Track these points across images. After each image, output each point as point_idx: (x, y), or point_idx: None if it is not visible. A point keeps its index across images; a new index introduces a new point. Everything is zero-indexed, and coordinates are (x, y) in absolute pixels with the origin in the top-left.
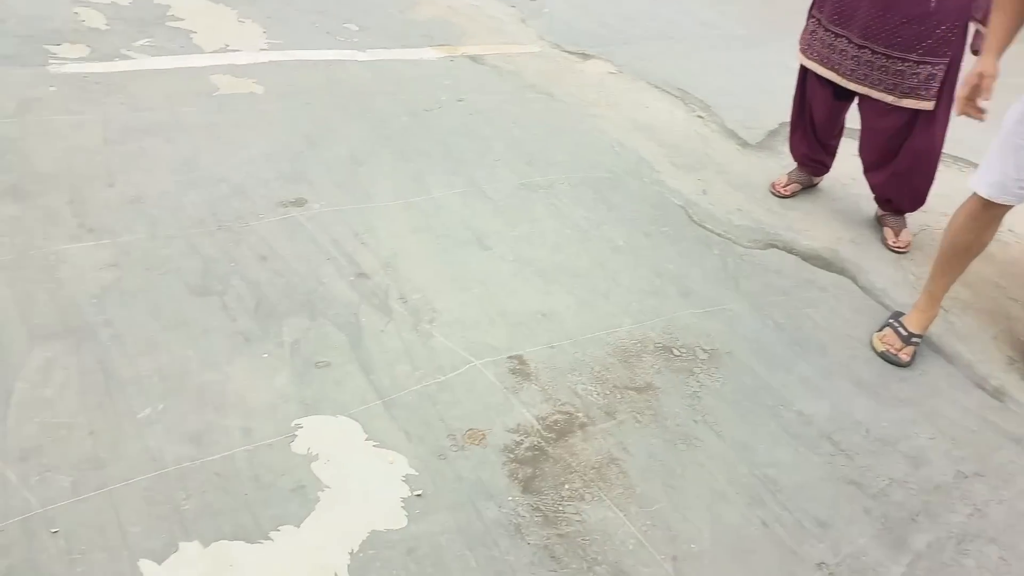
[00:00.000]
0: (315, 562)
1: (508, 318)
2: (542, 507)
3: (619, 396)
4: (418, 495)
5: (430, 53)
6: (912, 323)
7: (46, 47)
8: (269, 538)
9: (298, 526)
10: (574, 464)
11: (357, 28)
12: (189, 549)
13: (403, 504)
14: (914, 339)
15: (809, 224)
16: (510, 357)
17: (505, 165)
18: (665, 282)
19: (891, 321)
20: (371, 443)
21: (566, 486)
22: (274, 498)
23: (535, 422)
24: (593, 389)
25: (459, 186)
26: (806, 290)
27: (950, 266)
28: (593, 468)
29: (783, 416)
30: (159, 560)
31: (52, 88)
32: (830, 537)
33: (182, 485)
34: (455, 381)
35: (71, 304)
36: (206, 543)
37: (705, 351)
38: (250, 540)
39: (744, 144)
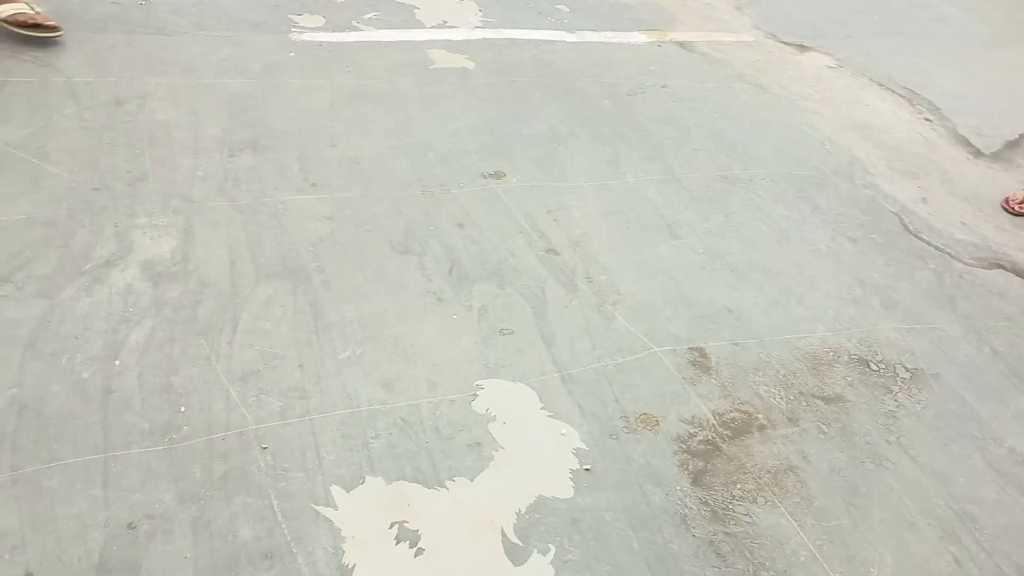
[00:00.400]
0: (483, 517)
1: (692, 309)
2: (711, 502)
3: (804, 403)
4: (587, 469)
5: (638, 37)
6: None
7: (290, 16)
8: (444, 486)
9: (472, 480)
10: (749, 465)
11: (568, 10)
12: (373, 483)
13: (571, 476)
14: None
15: None
16: (691, 348)
17: (704, 155)
18: (868, 292)
19: None
20: (546, 413)
21: (738, 485)
22: (452, 450)
23: (711, 416)
24: (776, 392)
25: (655, 173)
26: None
27: None
28: (769, 472)
29: (992, 451)
30: (347, 489)
31: (291, 54)
32: None
33: (372, 425)
34: (633, 365)
35: (291, 249)
36: (388, 481)
37: (907, 369)
38: (427, 485)
39: (976, 153)
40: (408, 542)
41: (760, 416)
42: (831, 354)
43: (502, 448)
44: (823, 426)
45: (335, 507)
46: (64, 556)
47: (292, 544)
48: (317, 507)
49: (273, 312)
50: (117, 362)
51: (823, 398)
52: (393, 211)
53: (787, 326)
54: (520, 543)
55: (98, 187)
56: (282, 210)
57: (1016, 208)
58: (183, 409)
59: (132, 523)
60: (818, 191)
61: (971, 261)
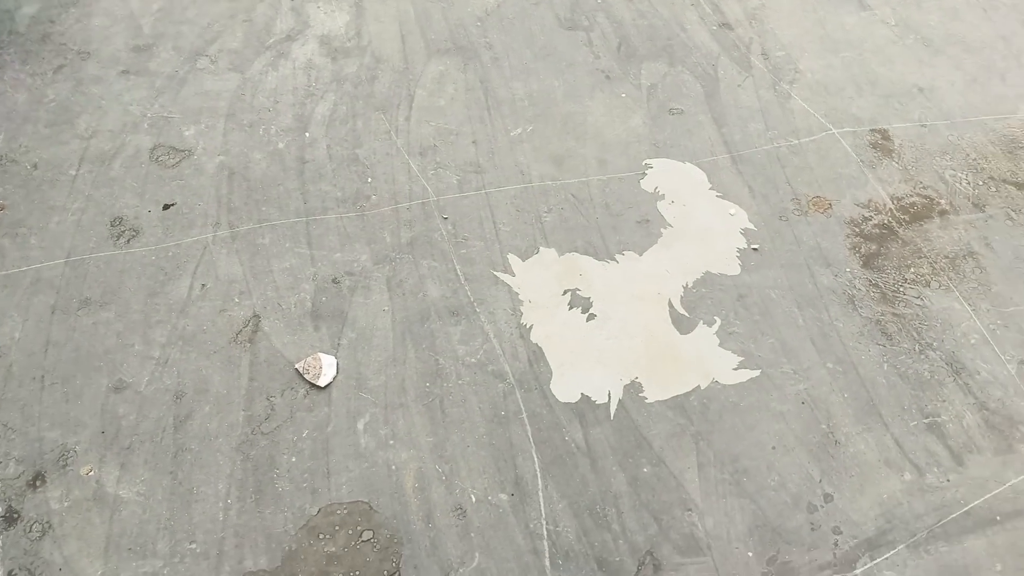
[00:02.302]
0: (652, 288)
1: (878, 88)
2: (880, 284)
3: (994, 189)
4: (755, 248)
5: None
6: None
7: None
8: (614, 259)
9: (640, 254)
10: (925, 250)
11: None
12: (547, 253)
13: (739, 254)
14: None
15: None
16: (873, 130)
17: None
18: None
19: None
20: (715, 193)
21: (911, 269)
22: (621, 225)
23: (889, 201)
24: (964, 177)
25: None
26: None
27: None
28: (946, 257)
29: None
30: (523, 257)
31: None
32: None
33: (544, 199)
34: (808, 147)
35: (459, 24)
36: (561, 251)
37: None
38: (598, 257)
39: None
40: (580, 308)
41: (943, 201)
42: None
43: (670, 226)
44: (1012, 213)
45: (512, 273)
46: (282, 303)
47: (475, 304)
48: (496, 272)
49: (446, 89)
50: (307, 134)
51: (1016, 184)
52: None
53: (985, 106)
54: (686, 314)
55: None
56: None
57: None
58: (369, 180)
59: (336, 278)
60: None
61: None
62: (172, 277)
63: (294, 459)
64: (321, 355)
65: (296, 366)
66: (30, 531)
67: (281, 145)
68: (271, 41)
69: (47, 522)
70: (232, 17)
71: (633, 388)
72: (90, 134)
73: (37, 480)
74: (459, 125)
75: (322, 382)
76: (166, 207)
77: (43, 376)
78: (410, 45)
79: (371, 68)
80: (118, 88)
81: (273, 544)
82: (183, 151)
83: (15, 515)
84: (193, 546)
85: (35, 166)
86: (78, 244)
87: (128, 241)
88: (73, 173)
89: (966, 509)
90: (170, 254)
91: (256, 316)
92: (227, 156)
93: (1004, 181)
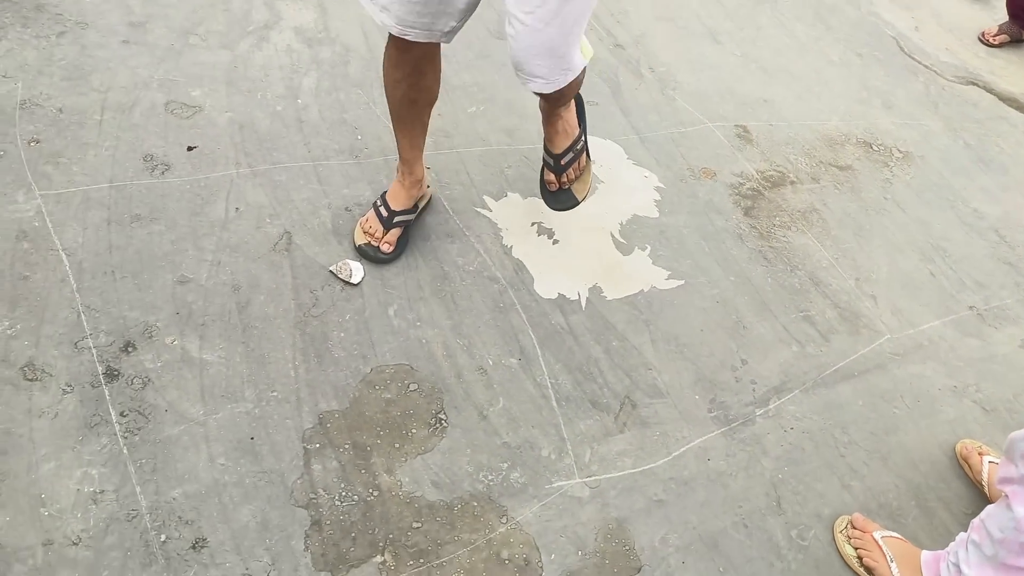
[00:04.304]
0: (597, 224)
1: (736, 97)
2: (758, 227)
3: (823, 169)
4: (661, 201)
5: None
6: None
7: None
8: None
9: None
10: (784, 206)
11: None
12: (513, 197)
13: (655, 203)
14: None
15: (1011, 72)
16: (736, 125)
17: None
18: (872, 95)
19: None
20: (631, 161)
21: (777, 218)
22: None
23: (755, 173)
24: (802, 160)
25: None
26: (998, 124)
27: None
28: (799, 211)
29: (960, 209)
30: (495, 198)
31: None
32: (983, 293)
33: (504, 158)
34: (692, 134)
35: None
36: (524, 196)
37: (900, 152)
38: None
39: None
40: (546, 235)
41: (791, 175)
42: (843, 137)
43: (603, 182)
44: (837, 185)
45: (489, 209)
46: (307, 223)
47: (464, 230)
48: (476, 208)
49: None
50: (299, 100)
51: (837, 167)
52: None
53: (809, 115)
54: (624, 241)
55: None
56: None
57: (991, 40)
58: (359, 137)
59: (348, 207)
60: (831, 14)
61: (952, 78)
62: (208, 201)
63: (342, 334)
64: (349, 260)
65: (330, 268)
66: (132, 384)
67: (279, 108)
68: (251, 28)
69: (146, 377)
70: (212, 6)
71: (595, 290)
72: (105, 88)
73: (128, 347)
74: None
75: (355, 280)
76: (190, 148)
77: (113, 271)
78: (372, 40)
79: (343, 55)
80: (122, 54)
81: (340, 392)
82: (194, 107)
83: (115, 372)
84: (275, 393)
85: (60, 110)
86: (118, 173)
87: (163, 173)
88: (98, 118)
89: (835, 368)
90: (202, 185)
91: (287, 232)
92: (234, 113)
93: (829, 164)
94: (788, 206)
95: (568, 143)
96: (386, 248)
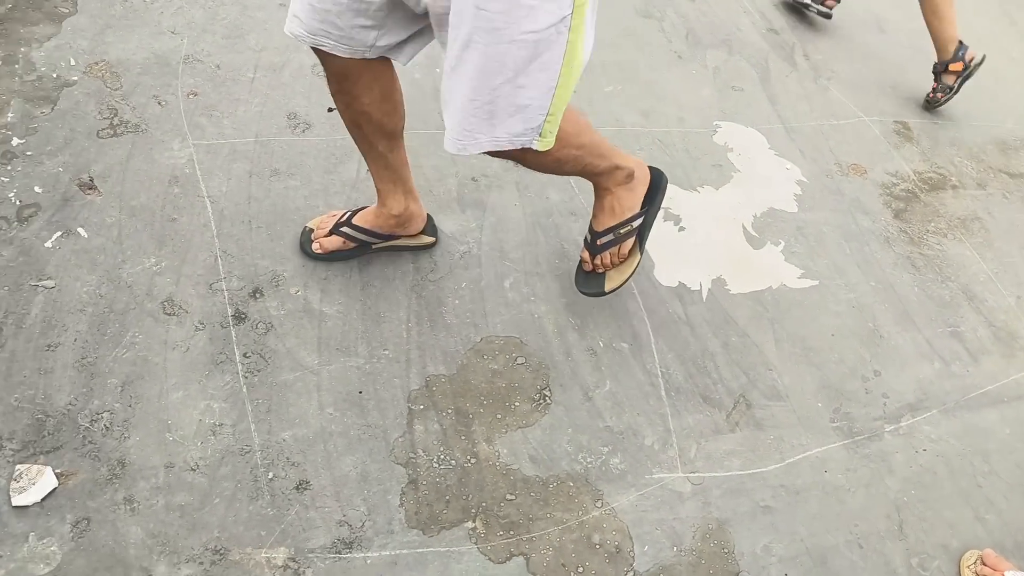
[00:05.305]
0: (728, 214)
1: (898, 92)
2: (909, 232)
3: (992, 175)
4: (801, 195)
5: None
6: None
7: None
8: (696, 190)
9: (716, 189)
10: (942, 211)
11: None
12: None
13: (795, 197)
14: None
15: None
16: (896, 121)
17: None
18: None
19: None
20: (772, 152)
21: (932, 224)
22: (699, 166)
23: (911, 173)
24: (968, 163)
25: None
26: None
27: None
28: (958, 218)
29: None
30: None
31: None
32: None
33: (636, 140)
34: (845, 127)
35: None
36: None
37: None
38: (682, 187)
39: None
40: (672, 222)
41: (953, 179)
42: (1018, 142)
43: (739, 171)
44: (1007, 194)
45: None
46: (432, 189)
47: (588, 208)
48: None
49: None
50: (437, 70)
51: (1008, 174)
52: None
53: (981, 115)
54: (756, 235)
55: None
56: None
57: None
58: None
59: (474, 177)
60: (1018, 9)
61: None
62: (342, 161)
63: (457, 302)
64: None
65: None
66: (256, 328)
67: (417, 76)
68: None
69: (269, 323)
70: None
71: (719, 282)
72: (260, 48)
73: (256, 293)
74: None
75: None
76: (330, 110)
77: (250, 221)
78: None
79: None
80: (278, 17)
81: (448, 358)
82: None
83: (243, 316)
84: (386, 352)
85: (218, 67)
86: (263, 128)
87: (303, 131)
88: (251, 76)
89: (982, 391)
90: (337, 145)
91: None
92: None
93: (999, 170)
94: (946, 211)
95: (612, 223)
96: (315, 248)
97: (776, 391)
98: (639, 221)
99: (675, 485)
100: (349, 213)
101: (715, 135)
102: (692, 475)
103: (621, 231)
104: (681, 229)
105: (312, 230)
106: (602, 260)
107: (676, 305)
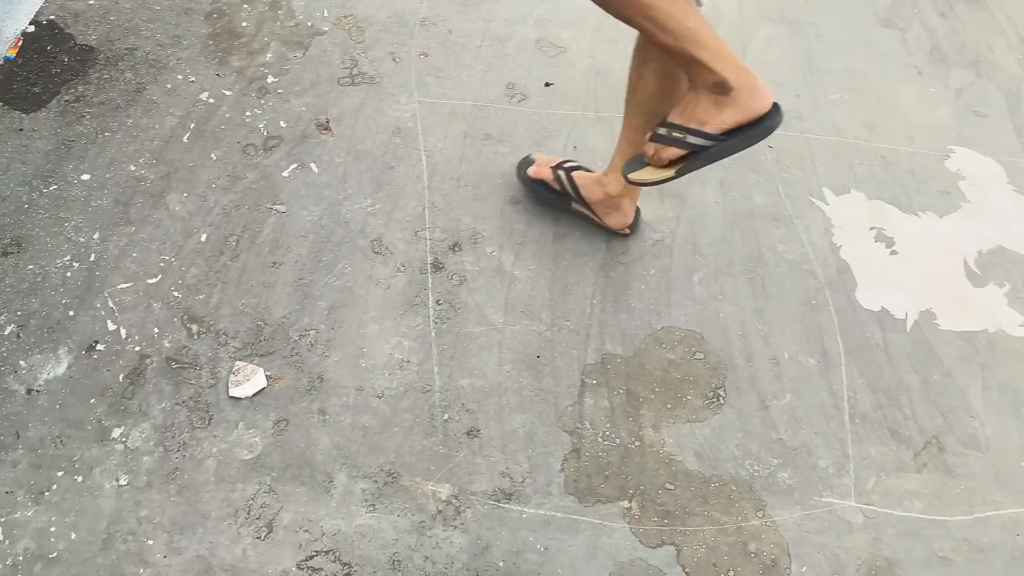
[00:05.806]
0: (950, 244)
1: None
2: None
3: None
4: None
5: None
6: None
7: None
8: (916, 215)
9: (940, 217)
10: None
11: None
12: (857, 196)
13: None
14: None
15: None
16: None
17: None
18: None
19: None
20: (1011, 187)
21: None
22: (924, 190)
23: None
24: None
25: None
26: None
27: None
28: None
29: None
30: (836, 193)
31: None
32: None
33: (856, 154)
34: None
35: (789, 2)
36: (869, 197)
37: None
38: (902, 209)
39: None
40: (884, 243)
41: None
42: None
43: (969, 202)
44: None
45: (826, 202)
46: None
47: (793, 217)
48: (812, 199)
49: (773, 50)
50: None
51: None
52: None
53: None
54: (979, 272)
55: None
56: None
57: None
58: None
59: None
60: None
61: None
62: (551, 135)
63: (643, 287)
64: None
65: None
66: (451, 279)
67: None
68: None
69: (463, 276)
70: None
71: (928, 314)
72: (490, 19)
73: (455, 247)
74: (784, 80)
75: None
76: (547, 84)
77: (458, 179)
78: (746, 11)
79: (709, 17)
80: None
81: (627, 340)
82: (560, 47)
83: (440, 265)
84: (568, 323)
85: (450, 32)
86: (482, 94)
87: (519, 102)
88: (478, 44)
89: None
90: (549, 119)
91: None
92: (594, 59)
93: None
94: None
95: (675, 121)
96: (531, 170)
97: (975, 440)
98: (699, 142)
99: (845, 513)
100: (575, 164)
101: (947, 160)
102: (866, 507)
103: (675, 135)
104: (893, 252)
105: (534, 161)
106: (647, 146)
107: (875, 330)
